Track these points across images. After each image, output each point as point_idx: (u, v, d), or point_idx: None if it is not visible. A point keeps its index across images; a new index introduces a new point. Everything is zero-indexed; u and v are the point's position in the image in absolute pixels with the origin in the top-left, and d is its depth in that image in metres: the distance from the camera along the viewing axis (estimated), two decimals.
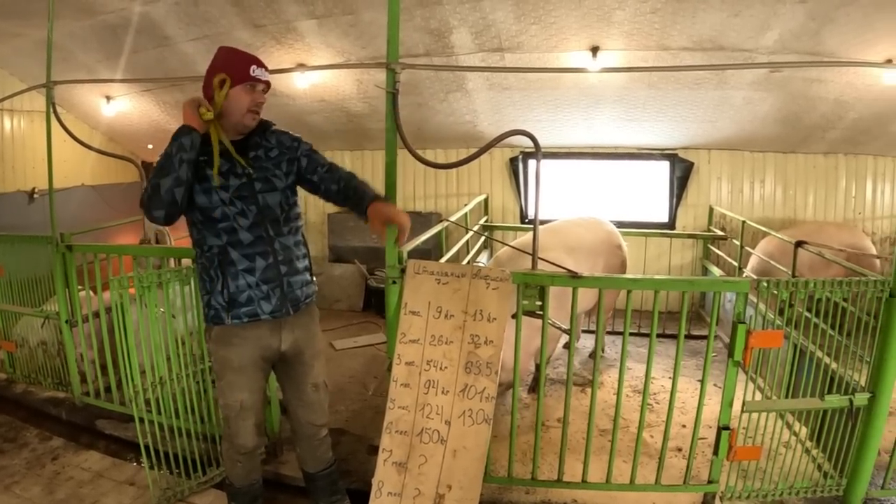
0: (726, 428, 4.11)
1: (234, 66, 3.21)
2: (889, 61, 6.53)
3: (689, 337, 7.68)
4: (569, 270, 3.99)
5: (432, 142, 9.03)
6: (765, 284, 4.06)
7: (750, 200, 9.57)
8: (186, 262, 4.71)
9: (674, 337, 6.48)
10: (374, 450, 4.09)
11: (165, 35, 6.97)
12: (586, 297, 5.37)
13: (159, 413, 4.34)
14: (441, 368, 3.75)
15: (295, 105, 8.39)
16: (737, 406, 4.13)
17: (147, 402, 4.29)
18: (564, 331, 4.22)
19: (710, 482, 4.27)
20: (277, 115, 7.52)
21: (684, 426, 5.36)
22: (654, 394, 6.06)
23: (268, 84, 3.34)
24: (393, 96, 3.90)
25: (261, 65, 3.27)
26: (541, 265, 4.20)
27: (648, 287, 4.17)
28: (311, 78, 7.63)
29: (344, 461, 4.57)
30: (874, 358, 4.19)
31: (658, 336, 6.31)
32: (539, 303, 3.96)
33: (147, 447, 4.17)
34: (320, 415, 3.79)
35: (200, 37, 6.86)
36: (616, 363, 6.75)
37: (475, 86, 7.68)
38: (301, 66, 7.22)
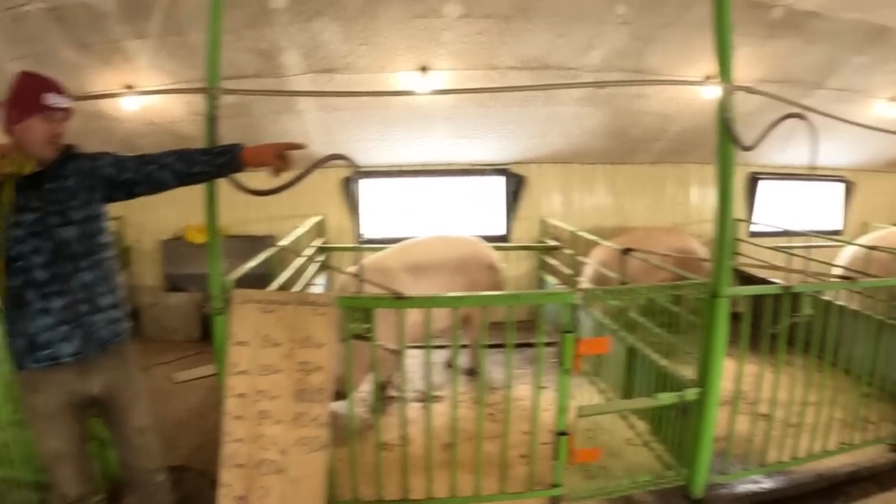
0: (563, 433, 4.24)
1: (27, 96, 2.97)
2: (708, 78, 6.92)
3: (528, 345, 7.82)
4: (393, 292, 3.98)
5: None
6: (591, 293, 4.18)
7: (581, 210, 9.95)
8: None
9: (516, 346, 6.62)
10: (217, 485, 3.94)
11: None
12: (439, 314, 5.31)
13: None
14: (272, 398, 3.68)
15: (123, 128, 8.02)
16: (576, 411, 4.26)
17: None
18: (395, 352, 4.20)
19: (554, 486, 4.38)
20: (105, 138, 7.24)
21: (526, 433, 5.43)
22: (496, 404, 6.11)
23: (67, 111, 3.10)
24: (212, 121, 3.78)
25: (58, 90, 3.02)
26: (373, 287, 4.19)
27: (474, 304, 4.24)
28: (140, 100, 7.33)
29: (187, 499, 4.34)
30: (700, 355, 4.41)
31: (499, 346, 6.42)
32: (366, 326, 3.93)
33: None
34: (151, 459, 3.56)
35: (23, 56, 6.42)
36: (461, 378, 6.81)
37: (306, 106, 7.61)
38: (128, 90, 6.91)
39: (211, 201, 3.85)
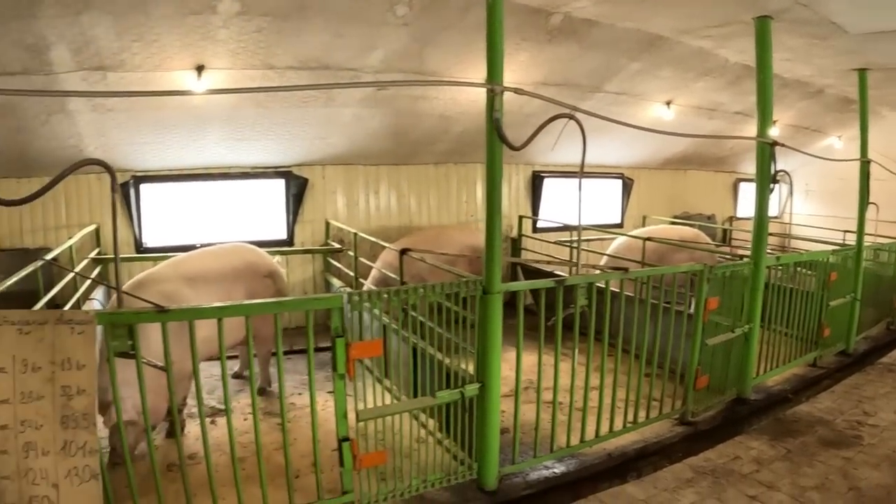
0: (346, 439, 4.22)
1: None
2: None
3: (318, 350, 7.69)
4: (156, 305, 3.78)
5: (37, 169, 8.07)
6: (356, 298, 4.16)
7: (366, 212, 10.06)
8: None
9: (303, 353, 6.54)
10: None
11: None
12: (231, 327, 5.11)
13: None
14: (37, 427, 3.41)
15: None
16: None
17: None
18: (161, 368, 3.99)
19: (344, 493, 4.34)
20: None
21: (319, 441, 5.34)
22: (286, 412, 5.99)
23: None
24: None
25: None
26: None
27: (237, 313, 4.12)
28: None
29: None
30: (477, 351, 4.50)
31: (287, 354, 6.31)
32: (130, 342, 3.71)
33: None
34: None
35: None
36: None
37: (77, 107, 7.11)
38: None
39: None
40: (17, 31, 5.79)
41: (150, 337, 4.14)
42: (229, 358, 6.81)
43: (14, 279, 5.08)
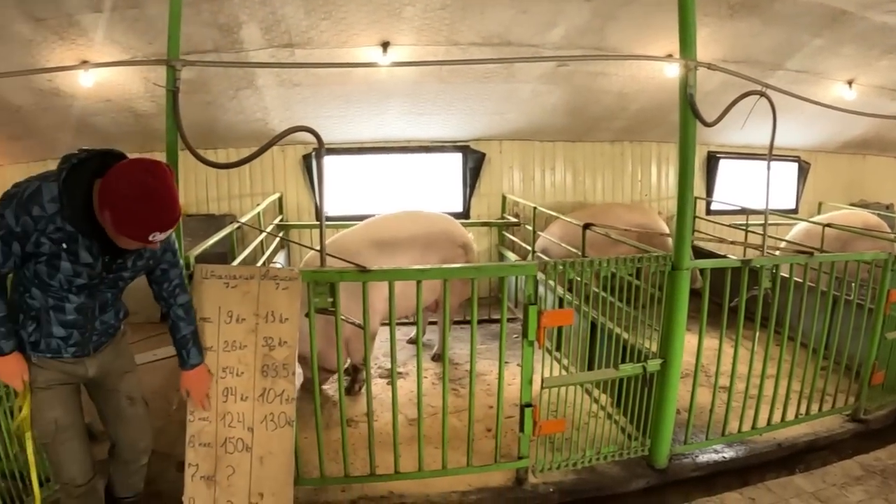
0: (529, 405, 4.29)
1: (136, 225, 2.69)
2: (669, 56, 6.96)
3: (489, 321, 7.89)
4: (357, 265, 3.96)
5: (224, 141, 8.73)
6: (552, 266, 4.21)
7: (542, 187, 10.09)
8: None
9: (479, 322, 6.62)
10: (183, 466, 3.86)
11: None
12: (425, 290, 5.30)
13: None
14: (237, 374, 3.65)
15: (77, 105, 7.80)
16: (540, 383, 4.32)
17: None
18: (358, 325, 4.19)
19: (520, 458, 4.42)
20: (59, 117, 7.04)
21: (491, 407, 5.47)
22: (460, 379, 6.13)
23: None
24: (174, 94, 3.71)
25: (165, 226, 2.74)
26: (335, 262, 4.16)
27: (437, 276, 4.28)
28: (95, 76, 7.07)
29: (152, 482, 4.21)
30: (662, 327, 4.49)
31: (462, 323, 6.44)
32: (331, 299, 3.92)
33: None
34: (142, 435, 3.48)
35: None
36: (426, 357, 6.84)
37: (265, 82, 7.49)
38: (85, 64, 6.71)
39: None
40: (210, 12, 6.13)
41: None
42: (400, 324, 7.09)
43: (212, 241, 5.40)
